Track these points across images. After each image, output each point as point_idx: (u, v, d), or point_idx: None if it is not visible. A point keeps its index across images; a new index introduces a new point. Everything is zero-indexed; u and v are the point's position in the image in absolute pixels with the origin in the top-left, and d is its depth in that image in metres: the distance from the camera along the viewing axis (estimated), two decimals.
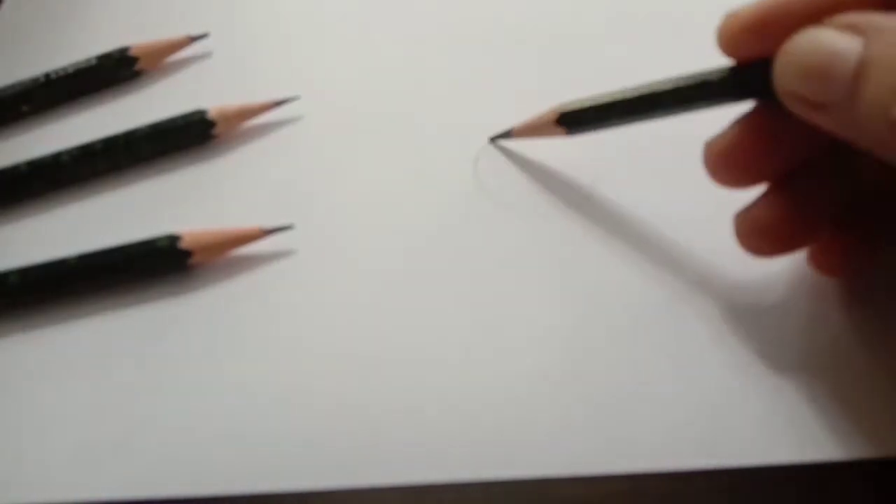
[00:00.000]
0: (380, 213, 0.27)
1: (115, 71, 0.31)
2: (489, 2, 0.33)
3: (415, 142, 0.29)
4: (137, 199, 0.28)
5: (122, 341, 0.24)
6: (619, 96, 0.24)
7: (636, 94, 0.23)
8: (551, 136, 0.26)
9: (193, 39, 0.32)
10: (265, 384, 0.23)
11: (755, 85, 0.21)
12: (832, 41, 0.18)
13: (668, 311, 0.24)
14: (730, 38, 0.21)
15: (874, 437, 0.21)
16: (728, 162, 0.22)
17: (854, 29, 0.18)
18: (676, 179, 0.26)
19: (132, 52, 0.31)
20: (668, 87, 0.22)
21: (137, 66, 0.31)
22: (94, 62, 0.31)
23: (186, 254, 0.25)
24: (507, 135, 0.27)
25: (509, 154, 0.28)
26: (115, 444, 0.22)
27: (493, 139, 0.28)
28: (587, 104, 0.24)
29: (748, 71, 0.21)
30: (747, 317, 0.23)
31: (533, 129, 0.26)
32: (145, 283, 0.25)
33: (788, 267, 0.24)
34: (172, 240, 0.25)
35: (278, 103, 0.30)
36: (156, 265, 0.25)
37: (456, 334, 0.23)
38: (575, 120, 0.25)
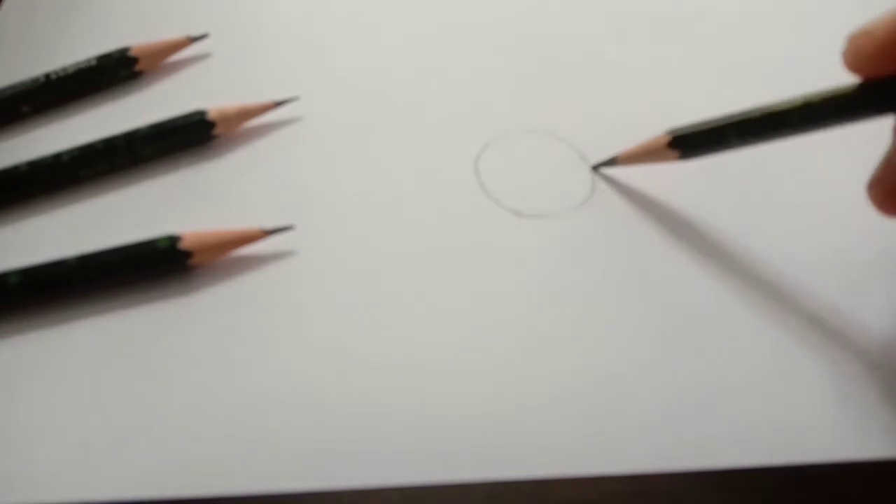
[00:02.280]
0: (380, 213, 0.27)
1: (115, 71, 0.31)
2: (489, 1, 0.34)
3: (415, 142, 0.29)
4: (137, 199, 0.28)
5: (123, 341, 0.24)
6: (736, 117, 0.23)
7: (756, 114, 0.22)
8: (663, 161, 0.25)
9: (193, 40, 0.32)
10: (265, 384, 0.23)
11: (893, 99, 0.20)
12: None
13: (668, 312, 0.24)
14: (862, 58, 0.20)
15: (874, 437, 0.21)
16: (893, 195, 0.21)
17: None
18: (680, 180, 0.26)
19: (132, 53, 0.31)
20: (796, 105, 0.22)
21: (137, 67, 0.31)
22: (94, 62, 0.31)
23: (187, 254, 0.25)
24: (611, 162, 0.26)
25: (510, 154, 0.28)
26: (115, 444, 0.22)
27: (597, 167, 0.27)
28: (702, 127, 0.24)
29: (883, 87, 0.20)
30: (745, 320, 0.23)
31: (643, 155, 0.25)
32: (145, 284, 0.25)
33: (783, 266, 0.24)
34: (173, 240, 0.25)
35: (278, 104, 0.30)
36: (156, 266, 0.25)
37: (456, 335, 0.23)
38: (690, 143, 0.24)
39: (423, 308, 0.24)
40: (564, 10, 0.33)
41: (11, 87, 0.30)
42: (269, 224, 0.26)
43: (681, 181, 0.26)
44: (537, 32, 0.32)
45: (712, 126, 0.23)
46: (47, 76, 0.31)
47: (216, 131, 0.29)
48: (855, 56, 0.20)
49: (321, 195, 0.27)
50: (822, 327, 0.23)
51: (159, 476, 0.21)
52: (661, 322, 0.23)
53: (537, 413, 0.22)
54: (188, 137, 0.29)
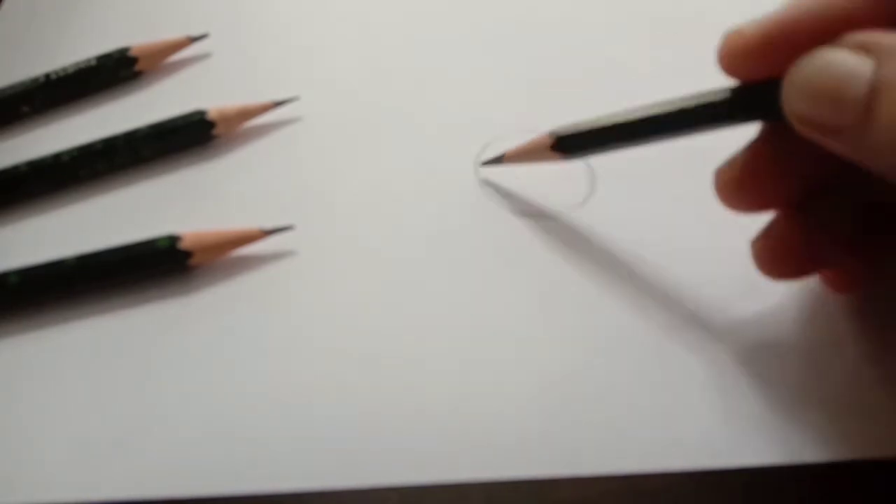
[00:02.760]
0: (380, 213, 0.27)
1: (115, 71, 0.31)
2: (489, 1, 0.34)
3: (415, 142, 0.29)
4: (137, 199, 0.28)
5: (123, 341, 0.24)
6: (616, 119, 0.23)
7: (635, 117, 0.22)
8: (546, 161, 0.25)
9: (193, 40, 0.32)
10: (265, 384, 0.23)
11: (761, 106, 0.20)
12: (843, 62, 0.17)
13: (667, 312, 0.24)
14: (733, 58, 0.20)
15: (874, 437, 0.21)
16: (740, 188, 0.21)
17: (865, 49, 0.17)
18: (680, 181, 0.26)
19: (132, 53, 0.31)
20: (669, 109, 0.22)
21: (137, 67, 0.31)
22: (94, 62, 0.31)
23: (187, 254, 0.25)
24: (497, 160, 0.26)
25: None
26: (115, 444, 0.22)
27: (484, 164, 0.27)
28: (583, 128, 0.24)
29: (754, 92, 0.20)
30: (746, 319, 0.23)
31: (526, 154, 0.25)
32: (145, 284, 0.25)
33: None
34: (173, 240, 0.25)
35: (278, 104, 0.30)
36: (156, 265, 0.25)
37: (456, 334, 0.23)
38: (570, 145, 0.24)
39: (422, 308, 0.24)
40: (565, 10, 0.33)
41: (11, 87, 0.31)
42: (269, 224, 0.26)
43: (681, 182, 0.26)
44: (537, 32, 0.32)
45: (591, 128, 0.23)
46: (47, 76, 0.31)
47: (216, 131, 0.29)
48: (726, 56, 0.20)
49: (321, 195, 0.27)
50: (823, 327, 0.23)
51: (159, 476, 0.21)
52: (661, 322, 0.23)
53: (536, 413, 0.22)
54: (188, 137, 0.29)
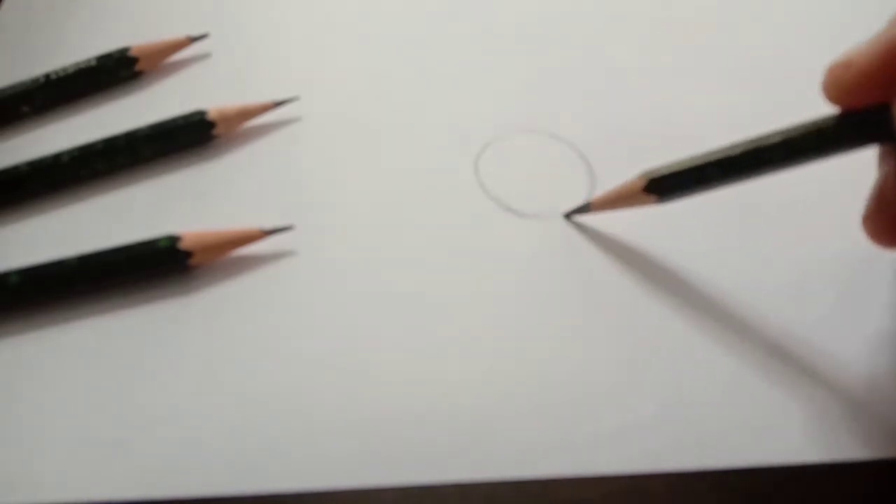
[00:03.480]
0: (380, 213, 0.27)
1: (115, 71, 0.31)
2: (489, 3, 0.33)
3: (415, 142, 0.29)
4: (137, 199, 0.28)
5: (122, 341, 0.24)
6: (717, 156, 0.22)
7: (737, 151, 0.22)
8: (640, 206, 0.24)
9: (193, 40, 0.32)
10: (265, 384, 0.23)
11: (872, 130, 0.20)
12: None
13: (668, 313, 0.24)
14: (843, 90, 0.20)
15: (874, 437, 0.21)
16: (885, 223, 0.21)
17: None
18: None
19: (132, 53, 0.31)
20: (776, 140, 0.21)
21: (137, 67, 0.31)
22: (94, 62, 0.31)
23: (187, 254, 0.25)
24: (584, 209, 0.25)
25: (510, 154, 0.28)
26: (115, 444, 0.22)
27: (569, 215, 0.26)
28: (680, 167, 0.23)
29: (862, 116, 0.20)
30: (747, 319, 0.23)
31: (618, 200, 0.24)
32: (145, 284, 0.25)
33: (784, 269, 0.24)
34: (173, 240, 0.25)
35: (278, 104, 0.30)
36: (156, 266, 0.25)
37: (456, 335, 0.23)
38: (667, 186, 0.23)
39: (422, 308, 0.24)
40: (565, 10, 0.33)
41: (11, 87, 0.30)
42: (269, 224, 0.26)
43: None
44: (537, 32, 0.32)
45: (689, 167, 0.22)
46: (47, 76, 0.31)
47: (216, 131, 0.29)
48: (835, 87, 0.20)
49: (321, 195, 0.27)
50: (821, 328, 0.23)
51: (159, 476, 0.21)
52: (661, 322, 0.23)
53: (537, 413, 0.22)
54: (188, 137, 0.29)
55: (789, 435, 0.21)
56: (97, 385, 0.23)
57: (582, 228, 0.26)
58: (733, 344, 0.23)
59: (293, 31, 0.33)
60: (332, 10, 0.34)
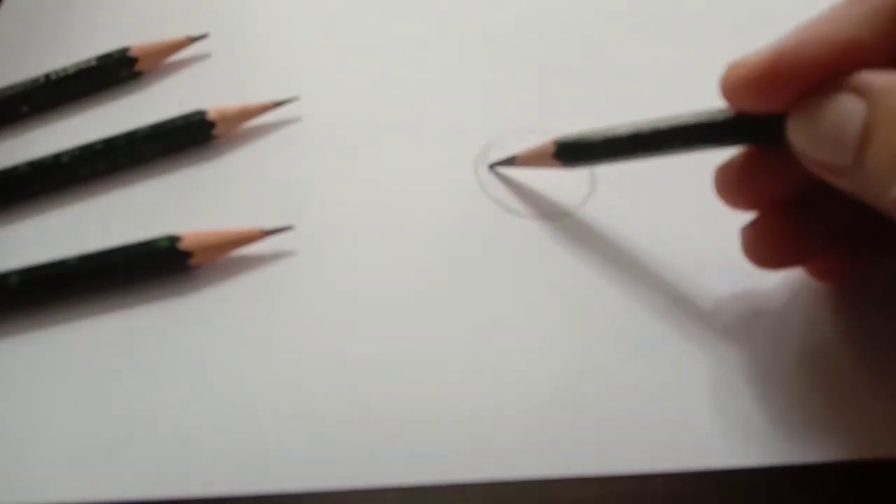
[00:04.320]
0: (380, 213, 0.27)
1: (115, 71, 0.31)
2: (489, 3, 0.34)
3: (415, 142, 0.29)
4: (137, 199, 0.28)
5: (123, 341, 0.24)
6: (616, 132, 0.23)
7: (635, 131, 0.22)
8: (548, 168, 0.25)
9: (193, 40, 0.32)
10: (265, 385, 0.23)
11: (765, 133, 0.20)
12: (840, 106, 0.18)
13: (668, 313, 0.24)
14: (735, 90, 0.20)
15: (873, 437, 0.21)
16: (738, 187, 0.22)
17: (859, 92, 0.17)
18: (680, 182, 0.26)
19: (132, 53, 0.31)
20: (671, 125, 0.22)
21: (137, 67, 0.31)
22: (94, 62, 0.31)
23: (186, 254, 0.25)
24: (509, 161, 0.27)
25: (510, 154, 0.28)
26: (115, 445, 0.22)
27: (493, 165, 0.27)
28: (584, 139, 0.24)
29: (759, 120, 0.20)
30: (745, 321, 0.23)
31: (531, 159, 0.26)
32: (145, 284, 0.25)
33: (783, 273, 0.24)
34: (172, 240, 0.25)
35: (278, 104, 0.30)
36: (156, 266, 0.25)
37: (456, 335, 0.23)
38: (571, 154, 0.24)
39: (422, 308, 0.24)
40: (564, 10, 0.33)
41: (11, 87, 0.31)
42: (269, 224, 0.26)
43: (681, 182, 0.26)
44: (537, 32, 0.32)
45: (592, 140, 0.24)
46: (47, 76, 0.31)
47: (216, 131, 0.29)
48: (728, 87, 0.20)
49: (321, 195, 0.27)
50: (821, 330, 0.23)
51: (159, 476, 0.21)
52: (662, 322, 0.23)
53: (537, 413, 0.22)
54: (188, 137, 0.29)
55: (789, 435, 0.21)
56: (97, 385, 0.23)
57: (582, 229, 0.26)
58: (733, 344, 0.23)
59: (293, 31, 0.33)
60: (333, 10, 0.34)
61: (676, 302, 0.24)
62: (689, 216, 0.26)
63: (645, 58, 0.31)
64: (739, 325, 0.23)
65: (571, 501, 0.20)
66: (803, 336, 0.23)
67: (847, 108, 0.17)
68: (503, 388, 0.22)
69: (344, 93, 0.30)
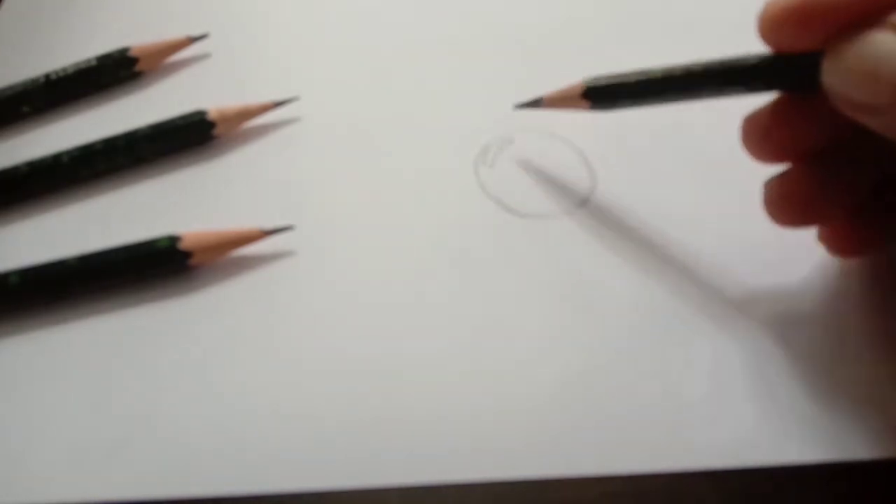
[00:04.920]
0: (380, 213, 0.27)
1: (115, 71, 0.31)
2: (489, 3, 0.34)
3: (415, 142, 0.29)
4: (137, 199, 0.28)
5: (122, 341, 0.24)
6: (649, 75, 0.23)
7: (667, 73, 0.22)
8: (576, 109, 0.25)
9: (193, 40, 0.32)
10: (265, 385, 0.23)
11: (799, 77, 0.20)
12: (882, 43, 0.17)
13: (668, 313, 0.24)
14: (771, 25, 0.20)
15: (873, 437, 0.21)
16: (765, 137, 0.21)
17: None
18: (680, 182, 0.26)
19: (132, 53, 0.31)
20: (703, 68, 0.21)
21: (137, 67, 0.31)
22: (94, 62, 0.31)
23: (186, 254, 0.25)
24: (535, 103, 0.26)
25: (510, 154, 0.28)
26: (115, 445, 0.22)
27: (519, 106, 0.27)
28: (616, 80, 0.23)
29: (792, 61, 0.20)
30: (746, 320, 0.23)
31: (559, 101, 0.25)
32: (145, 284, 0.25)
33: (786, 267, 0.24)
34: (172, 240, 0.25)
35: (278, 104, 0.30)
36: (156, 266, 0.25)
37: (456, 335, 0.23)
38: (601, 95, 0.24)
39: (422, 308, 0.24)
40: (564, 10, 0.33)
41: (11, 87, 0.31)
42: (269, 224, 0.26)
43: (682, 181, 0.26)
44: (537, 32, 0.32)
45: (623, 81, 0.23)
46: (47, 76, 0.31)
47: (216, 131, 0.29)
48: (764, 23, 0.20)
49: (321, 195, 0.27)
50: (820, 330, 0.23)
51: (159, 476, 0.21)
52: (663, 322, 0.23)
53: (537, 413, 0.22)
54: (188, 137, 0.29)
55: (789, 435, 0.21)
56: (97, 385, 0.23)
57: (582, 228, 0.26)
58: (734, 344, 0.23)
59: (293, 31, 0.33)
60: (333, 11, 0.34)
61: (676, 301, 0.24)
62: (689, 215, 0.26)
63: (645, 58, 0.31)
64: (740, 325, 0.23)
65: (571, 501, 0.20)
66: (806, 336, 0.23)
67: (885, 46, 0.17)
68: (503, 388, 0.22)
69: (344, 93, 0.30)
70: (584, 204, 0.26)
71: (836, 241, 0.23)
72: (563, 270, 0.25)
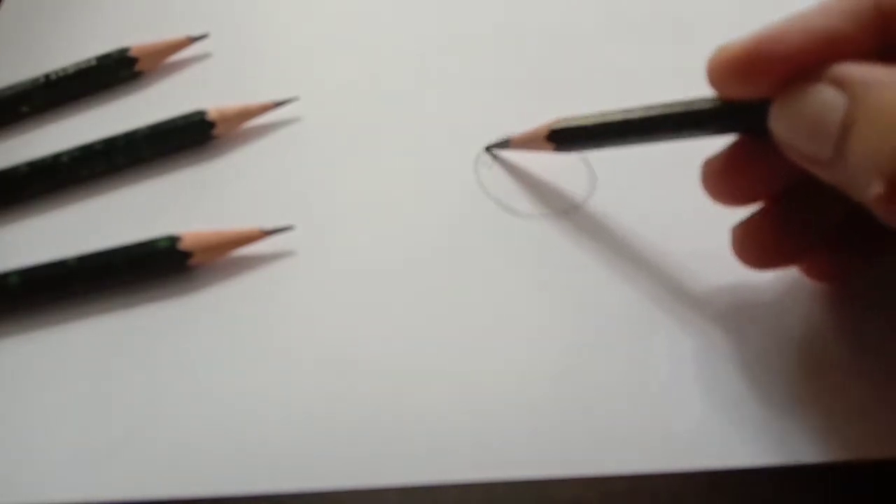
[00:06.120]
0: (380, 213, 0.27)
1: (115, 71, 0.31)
2: (489, 3, 0.34)
3: (415, 142, 0.29)
4: (137, 199, 0.28)
5: (122, 341, 0.24)
6: (609, 118, 0.23)
7: (625, 117, 0.23)
8: (542, 151, 0.26)
9: (193, 40, 0.32)
10: (265, 385, 0.23)
11: (749, 122, 0.20)
12: (820, 97, 0.18)
13: (667, 313, 0.24)
14: (719, 75, 0.20)
15: (873, 437, 0.21)
16: (723, 181, 0.22)
17: (840, 84, 0.17)
18: (679, 181, 0.26)
19: (132, 53, 0.31)
20: (660, 112, 0.22)
21: (137, 67, 0.31)
22: (94, 62, 0.31)
23: (186, 255, 0.25)
24: (503, 145, 0.27)
25: (510, 154, 0.28)
26: (115, 444, 0.22)
27: (489, 148, 0.28)
28: (576, 124, 0.24)
29: (744, 108, 0.20)
30: (745, 319, 0.23)
31: (526, 142, 0.26)
32: (145, 284, 0.25)
33: (781, 271, 0.24)
34: (172, 240, 0.25)
35: (278, 104, 0.30)
36: (156, 266, 0.25)
37: (456, 335, 0.23)
38: (564, 138, 0.25)
39: (422, 308, 0.24)
40: (564, 10, 0.33)
41: (11, 87, 0.31)
42: (269, 224, 0.26)
43: (681, 182, 0.26)
44: (537, 32, 0.32)
45: (584, 125, 0.24)
46: (47, 76, 0.31)
47: (216, 131, 0.29)
48: (712, 71, 0.20)
49: (321, 195, 0.27)
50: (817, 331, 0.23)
51: (159, 476, 0.21)
52: (663, 322, 0.23)
53: (537, 413, 0.22)
54: (188, 137, 0.29)
55: (789, 435, 0.21)
56: (97, 385, 0.23)
57: (581, 228, 0.26)
58: (734, 345, 0.23)
59: (293, 31, 0.33)
60: (333, 10, 0.34)
61: (677, 301, 0.24)
62: (689, 215, 0.26)
63: (645, 58, 0.31)
64: (741, 326, 0.23)
65: (571, 501, 0.20)
66: (805, 336, 0.23)
67: (827, 99, 0.18)
68: (503, 387, 0.22)
69: (344, 93, 0.30)
70: (583, 204, 0.26)
71: (813, 272, 0.23)
72: (562, 270, 0.25)
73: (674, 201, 0.26)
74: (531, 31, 0.32)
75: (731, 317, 0.23)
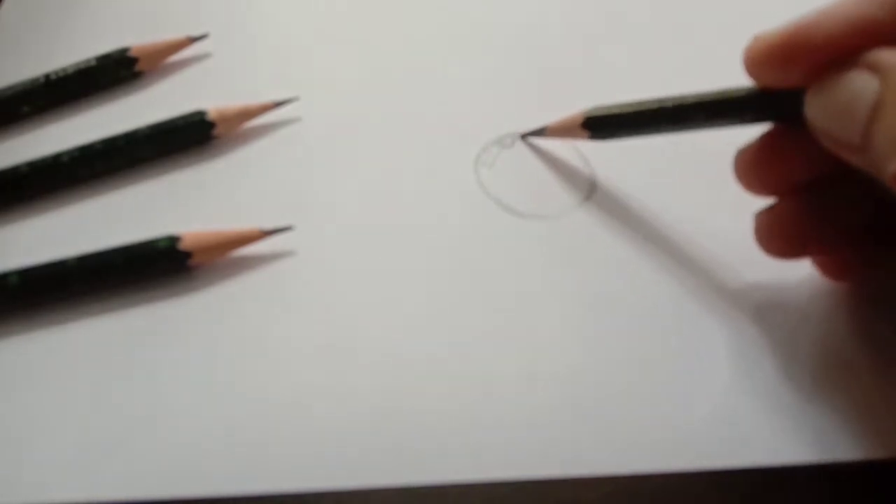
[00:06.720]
0: (380, 213, 0.27)
1: (115, 71, 0.31)
2: (489, 3, 0.33)
3: (415, 142, 0.29)
4: (137, 199, 0.28)
5: (123, 341, 0.24)
6: (643, 106, 0.23)
7: (661, 105, 0.23)
8: (577, 139, 0.26)
9: (193, 40, 0.32)
10: (265, 385, 0.23)
11: (785, 110, 0.20)
12: (853, 82, 0.18)
13: (671, 313, 0.24)
14: (755, 63, 0.20)
15: (872, 437, 0.21)
16: (756, 171, 0.22)
17: (872, 68, 0.18)
18: (679, 180, 0.26)
19: (132, 53, 0.31)
20: (694, 100, 0.22)
21: (137, 67, 0.31)
22: (94, 63, 0.31)
23: (186, 255, 0.25)
24: (539, 132, 0.27)
25: (510, 154, 0.28)
26: (115, 444, 0.22)
27: (525, 136, 0.28)
28: (612, 111, 0.24)
29: (780, 96, 0.20)
30: (749, 318, 0.23)
31: (561, 130, 0.26)
32: (145, 284, 0.25)
33: (793, 269, 0.24)
34: (172, 241, 0.25)
35: (278, 104, 0.30)
36: (156, 266, 0.25)
37: (457, 335, 0.23)
38: (599, 125, 0.25)
39: (422, 308, 0.24)
40: (564, 10, 0.33)
41: (11, 87, 0.31)
42: (269, 224, 0.26)
43: (682, 182, 0.26)
44: (537, 32, 0.32)
45: (619, 112, 0.24)
46: (47, 76, 0.31)
47: (216, 131, 0.29)
48: (748, 59, 0.20)
49: (321, 195, 0.27)
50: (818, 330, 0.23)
51: (159, 476, 0.21)
52: (662, 322, 0.23)
53: (537, 413, 0.22)
54: (188, 137, 0.29)
55: (789, 435, 0.21)
56: (97, 385, 0.23)
57: (582, 228, 0.26)
58: (735, 345, 0.23)
59: (293, 31, 0.33)
60: (332, 11, 0.34)
61: (677, 301, 0.24)
62: (689, 215, 0.26)
63: (645, 58, 0.31)
64: (741, 325, 0.23)
65: (571, 501, 0.20)
66: (810, 337, 0.23)
67: (860, 84, 0.18)
68: (503, 388, 0.22)
69: (344, 93, 0.30)
70: (583, 204, 0.26)
71: (829, 268, 0.23)
72: (562, 270, 0.25)
73: (673, 201, 0.26)
74: (531, 30, 0.32)
75: (735, 318, 0.23)
